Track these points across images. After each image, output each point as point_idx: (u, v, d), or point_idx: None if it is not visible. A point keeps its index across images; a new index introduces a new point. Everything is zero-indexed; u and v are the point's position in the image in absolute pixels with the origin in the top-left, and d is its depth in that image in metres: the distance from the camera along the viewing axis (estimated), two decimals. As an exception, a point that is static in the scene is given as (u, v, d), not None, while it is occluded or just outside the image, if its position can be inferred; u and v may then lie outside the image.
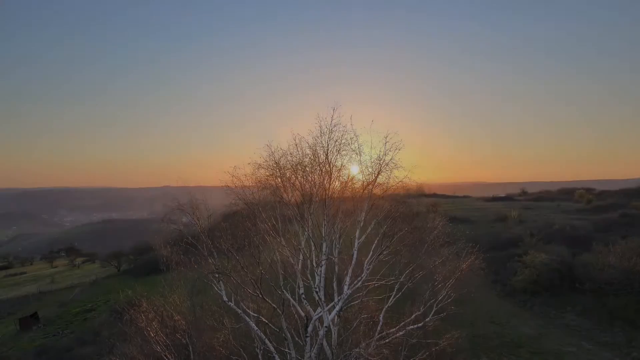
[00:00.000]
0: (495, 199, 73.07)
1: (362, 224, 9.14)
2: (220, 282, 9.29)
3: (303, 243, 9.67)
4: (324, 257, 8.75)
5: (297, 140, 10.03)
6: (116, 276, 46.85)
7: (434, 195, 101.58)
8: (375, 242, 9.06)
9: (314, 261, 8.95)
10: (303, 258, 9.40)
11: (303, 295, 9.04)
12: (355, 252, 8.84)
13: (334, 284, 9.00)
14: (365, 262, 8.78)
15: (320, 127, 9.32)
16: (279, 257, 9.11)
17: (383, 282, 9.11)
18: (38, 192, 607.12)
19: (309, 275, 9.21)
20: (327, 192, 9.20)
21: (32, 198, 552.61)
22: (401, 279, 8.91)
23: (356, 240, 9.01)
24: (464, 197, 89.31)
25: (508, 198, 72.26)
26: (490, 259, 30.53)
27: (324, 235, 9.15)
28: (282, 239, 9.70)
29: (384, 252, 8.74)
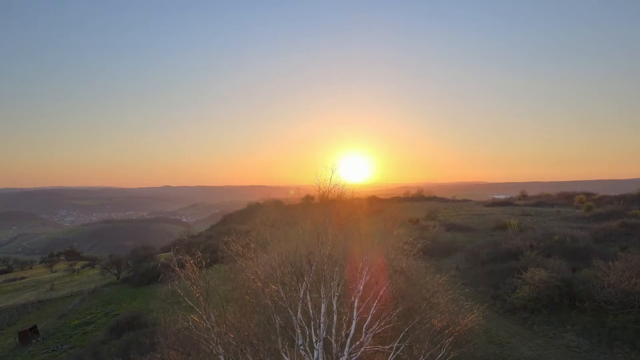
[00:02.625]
0: (494, 203, 73.04)
1: (360, 293, 9.04)
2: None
3: (301, 293, 9.55)
4: (322, 332, 8.65)
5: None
6: (116, 284, 46.83)
7: (434, 198, 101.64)
8: (374, 307, 8.99)
9: (313, 336, 8.83)
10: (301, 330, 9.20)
11: (302, 347, 8.97)
12: (355, 321, 8.74)
13: (333, 342, 8.89)
14: (365, 327, 8.70)
15: (320, 188, 9.24)
16: (278, 319, 8.97)
17: (381, 347, 9.01)
18: (38, 192, 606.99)
19: (307, 341, 9.06)
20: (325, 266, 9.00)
21: (32, 198, 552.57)
22: (397, 344, 8.78)
23: (355, 311, 8.93)
24: (464, 201, 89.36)
25: (508, 203, 72.24)
26: (489, 272, 30.67)
27: (322, 295, 9.08)
28: (282, 291, 9.58)
29: (383, 321, 8.68)
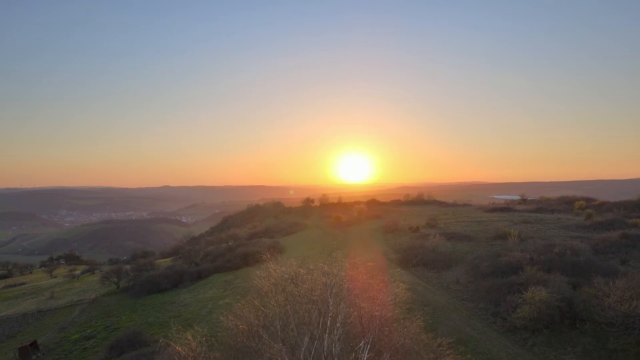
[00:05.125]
0: (494, 209, 72.93)
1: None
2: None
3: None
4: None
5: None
6: (115, 294, 46.75)
7: (434, 202, 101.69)
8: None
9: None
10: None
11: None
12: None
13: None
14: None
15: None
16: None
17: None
18: (38, 192, 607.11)
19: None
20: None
21: (32, 198, 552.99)
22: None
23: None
24: (464, 205, 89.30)
25: (507, 209, 72.12)
26: (490, 287, 30.58)
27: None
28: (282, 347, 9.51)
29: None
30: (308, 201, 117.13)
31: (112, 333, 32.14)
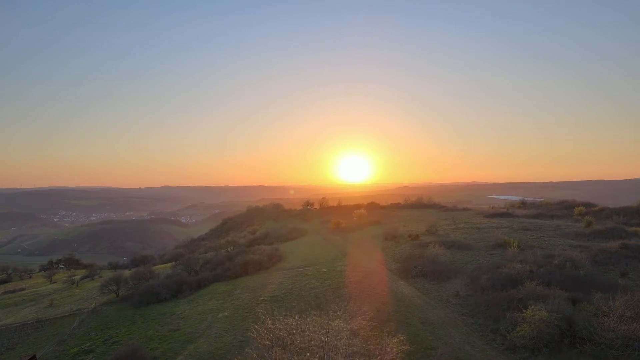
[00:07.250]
0: (494, 214, 72.94)
1: None
2: None
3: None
4: None
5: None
6: (115, 303, 46.68)
7: (434, 205, 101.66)
8: None
9: None
10: None
11: None
12: None
13: None
14: None
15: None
16: None
17: None
18: (38, 192, 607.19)
19: None
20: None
21: (32, 198, 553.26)
22: None
23: None
24: (464, 209, 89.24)
25: (507, 214, 72.14)
26: (489, 301, 30.51)
27: None
28: None
29: None
30: (308, 204, 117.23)
31: (111, 347, 32.09)
